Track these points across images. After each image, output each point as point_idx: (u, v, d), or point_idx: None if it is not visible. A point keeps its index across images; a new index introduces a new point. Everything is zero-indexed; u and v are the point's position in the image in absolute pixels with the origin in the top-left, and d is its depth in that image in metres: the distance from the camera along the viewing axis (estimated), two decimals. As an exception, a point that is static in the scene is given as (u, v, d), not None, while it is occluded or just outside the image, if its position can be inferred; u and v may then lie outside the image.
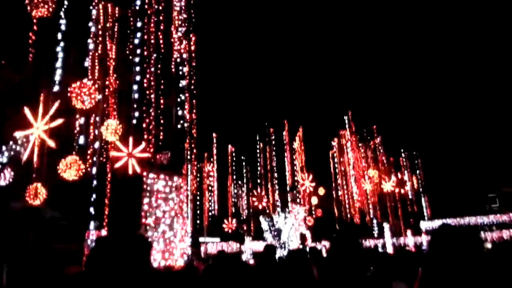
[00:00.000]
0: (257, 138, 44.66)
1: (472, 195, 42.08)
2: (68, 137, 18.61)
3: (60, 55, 16.21)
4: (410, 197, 46.37)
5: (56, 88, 15.81)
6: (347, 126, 48.56)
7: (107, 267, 1.35)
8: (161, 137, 17.01)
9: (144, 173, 15.75)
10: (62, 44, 16.34)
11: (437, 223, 33.70)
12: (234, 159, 45.21)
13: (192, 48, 19.91)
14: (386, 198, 45.65)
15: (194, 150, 24.20)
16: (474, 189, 43.05)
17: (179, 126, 18.12)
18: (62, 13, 16.41)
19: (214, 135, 42.94)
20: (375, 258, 4.22)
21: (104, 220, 17.24)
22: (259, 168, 44.00)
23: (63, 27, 16.34)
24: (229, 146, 44.75)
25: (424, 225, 36.34)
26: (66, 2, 16.52)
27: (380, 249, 27.70)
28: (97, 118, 17.86)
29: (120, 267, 1.36)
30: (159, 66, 17.26)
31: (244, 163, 45.41)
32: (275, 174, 43.26)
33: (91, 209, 19.06)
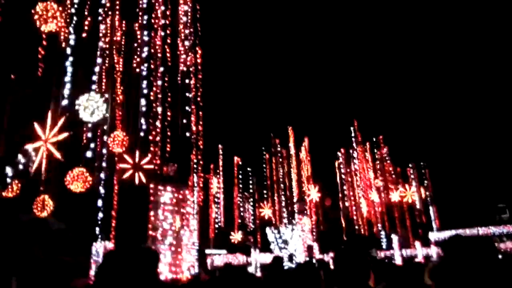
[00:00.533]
0: (263, 149, 44.68)
1: (482, 205, 41.58)
2: (75, 149, 18.78)
3: (69, 69, 16.45)
4: (418, 207, 45.86)
5: (64, 102, 16.01)
6: (353, 136, 48.43)
7: (116, 280, 1.36)
8: (167, 148, 17.09)
9: (151, 185, 15.78)
10: (70, 58, 16.60)
11: (446, 234, 33.27)
12: (240, 170, 45.18)
13: (198, 60, 20.13)
14: (394, 209, 45.22)
15: (201, 162, 24.27)
16: (483, 199, 42.55)
17: (185, 138, 18.21)
18: (71, 28, 16.70)
19: (220, 146, 43.04)
20: (387, 270, 4.17)
21: (111, 232, 17.25)
22: (265, 179, 43.91)
23: (71, 42, 16.61)
24: (235, 158, 44.78)
25: (433, 236, 35.88)
26: (75, 18, 16.82)
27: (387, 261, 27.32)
28: (105, 130, 18.02)
29: (129, 281, 1.36)
30: (166, 78, 17.43)
31: (250, 174, 45.38)
32: (281, 185, 43.12)
33: (98, 221, 19.11)
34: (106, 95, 15.31)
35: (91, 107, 14.50)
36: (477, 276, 1.82)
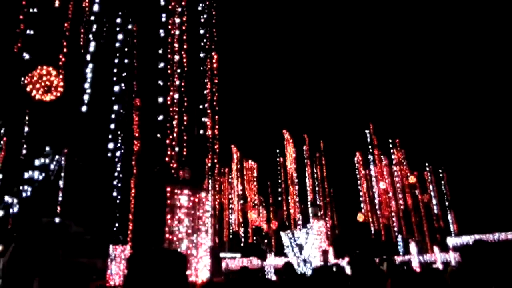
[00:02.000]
0: (277, 152, 44.68)
1: (501, 210, 40.60)
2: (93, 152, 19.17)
3: (89, 75, 16.82)
4: (436, 212, 45.09)
5: (83, 108, 16.36)
6: (368, 139, 48.01)
7: (149, 283, 1.40)
8: (184, 152, 17.27)
9: (168, 189, 15.95)
10: (90, 65, 16.97)
11: (464, 239, 32.57)
12: (256, 174, 45.25)
13: (214, 65, 20.31)
14: (412, 213, 44.58)
15: (216, 165, 24.40)
16: (502, 204, 41.55)
17: (201, 141, 18.37)
18: (90, 36, 17.08)
19: (235, 150, 43.20)
20: (405, 277, 4.15)
21: (128, 235, 17.49)
22: (280, 183, 43.89)
23: (91, 48, 16.98)
24: (250, 161, 44.88)
25: (451, 241, 35.18)
26: (95, 26, 17.20)
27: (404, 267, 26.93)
28: (121, 133, 18.35)
29: (161, 284, 1.41)
30: (182, 83, 17.64)
31: (265, 178, 45.39)
32: (296, 189, 43.02)
33: (115, 224, 19.40)
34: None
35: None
36: (499, 280, 1.82)
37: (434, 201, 45.16)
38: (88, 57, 17.05)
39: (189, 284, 1.57)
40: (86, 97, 16.25)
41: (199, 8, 20.73)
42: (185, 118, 17.29)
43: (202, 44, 20.36)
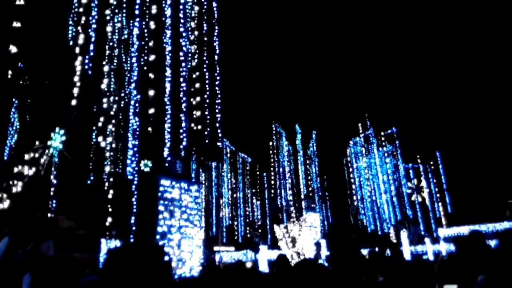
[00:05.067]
0: (270, 145, 44.68)
1: (491, 201, 41.13)
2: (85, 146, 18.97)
3: (78, 68, 16.62)
4: (427, 203, 45.56)
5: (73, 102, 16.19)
6: (361, 131, 48.24)
7: (122, 275, 1.37)
8: (176, 146, 17.17)
9: (161, 181, 15.88)
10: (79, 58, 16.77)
11: (455, 230, 32.99)
12: (248, 167, 45.28)
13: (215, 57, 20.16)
14: (404, 205, 44.99)
15: (210, 159, 24.29)
16: (492, 194, 42.09)
17: (194, 135, 18.26)
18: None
19: (228, 143, 43.12)
20: (394, 267, 4.16)
21: (120, 229, 17.40)
22: (273, 176, 43.95)
23: (80, 41, 16.77)
24: (243, 154, 44.88)
25: (443, 232, 35.59)
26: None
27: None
28: (113, 128, 18.15)
29: (135, 276, 1.37)
30: (176, 76, 17.48)
31: (258, 171, 45.45)
32: (289, 181, 43.14)
33: (107, 218, 19.28)
34: None
35: None
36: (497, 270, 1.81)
37: (425, 193, 45.57)
38: (77, 49, 16.82)
39: (168, 277, 1.53)
40: (76, 91, 16.06)
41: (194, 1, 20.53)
42: (178, 111, 17.17)
43: (196, 36, 20.19)
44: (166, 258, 1.55)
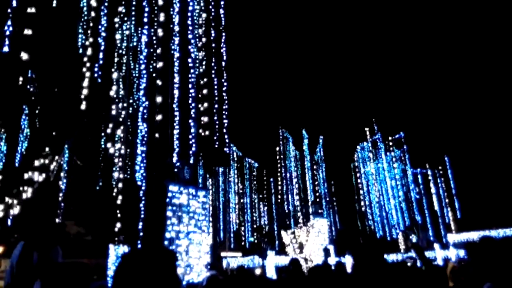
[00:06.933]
0: (277, 150, 44.60)
1: (501, 206, 40.60)
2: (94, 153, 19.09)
3: (87, 73, 16.79)
4: (436, 208, 45.07)
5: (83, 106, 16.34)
6: (369, 135, 48.00)
7: (133, 281, 1.38)
8: (184, 151, 17.22)
9: (169, 187, 15.93)
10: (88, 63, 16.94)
11: (464, 235, 32.60)
12: (255, 172, 45.24)
13: (222, 63, 20.23)
14: (412, 210, 44.57)
15: (217, 165, 24.31)
16: (503, 200, 41.54)
17: (202, 140, 18.31)
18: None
19: (235, 148, 43.16)
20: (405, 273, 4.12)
21: (129, 234, 17.44)
22: (280, 181, 43.83)
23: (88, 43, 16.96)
24: (251, 160, 44.88)
25: (452, 238, 35.18)
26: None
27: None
28: (121, 133, 18.27)
29: (147, 281, 1.38)
30: (184, 81, 17.58)
31: (265, 177, 45.37)
32: (296, 186, 42.96)
33: (115, 224, 19.34)
34: None
35: None
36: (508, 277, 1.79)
37: (435, 198, 45.11)
38: (87, 57, 17.02)
39: (178, 282, 1.54)
40: (84, 97, 16.22)
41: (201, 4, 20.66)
42: (187, 116, 17.23)
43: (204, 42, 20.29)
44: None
